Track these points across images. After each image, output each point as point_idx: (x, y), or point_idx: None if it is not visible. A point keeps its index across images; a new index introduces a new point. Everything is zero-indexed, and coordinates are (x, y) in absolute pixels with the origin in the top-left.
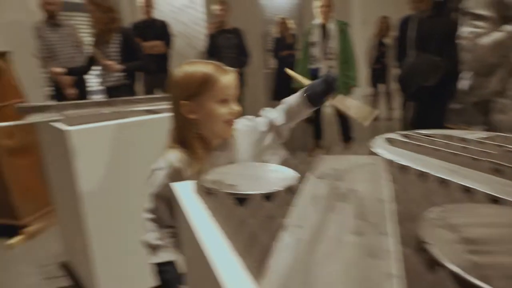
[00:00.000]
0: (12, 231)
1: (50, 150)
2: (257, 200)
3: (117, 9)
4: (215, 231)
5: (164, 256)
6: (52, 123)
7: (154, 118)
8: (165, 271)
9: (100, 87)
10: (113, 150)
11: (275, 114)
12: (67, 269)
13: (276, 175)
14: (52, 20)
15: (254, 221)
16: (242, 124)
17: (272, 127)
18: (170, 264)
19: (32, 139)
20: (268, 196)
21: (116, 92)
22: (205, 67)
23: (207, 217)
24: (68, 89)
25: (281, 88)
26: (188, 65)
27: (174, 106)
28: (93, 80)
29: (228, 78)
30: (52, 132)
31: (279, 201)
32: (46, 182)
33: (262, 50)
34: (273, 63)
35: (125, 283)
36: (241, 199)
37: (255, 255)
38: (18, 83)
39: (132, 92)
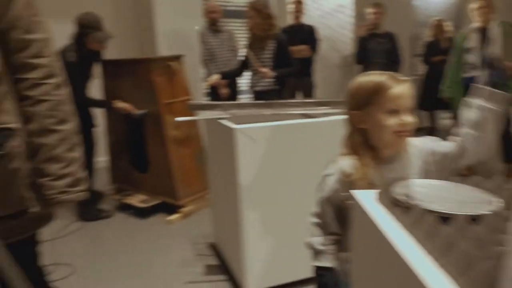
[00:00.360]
0: (171, 209)
1: (214, 143)
2: (463, 221)
3: (275, 16)
4: (415, 247)
5: (325, 261)
6: (220, 121)
7: (311, 122)
8: (324, 276)
9: (249, 90)
10: (273, 149)
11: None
12: (215, 249)
13: (473, 197)
14: (213, 26)
15: (465, 243)
16: (421, 141)
17: (460, 148)
18: (329, 269)
19: (194, 131)
20: (473, 219)
21: (265, 96)
22: (377, 77)
23: (402, 230)
24: (222, 89)
25: (430, 96)
26: (363, 75)
27: (347, 115)
28: (242, 81)
29: (400, 88)
30: (219, 128)
31: (487, 225)
32: (202, 170)
33: (410, 54)
34: (422, 69)
35: (271, 272)
36: (444, 218)
37: (473, 280)
38: (187, 83)
39: (279, 97)
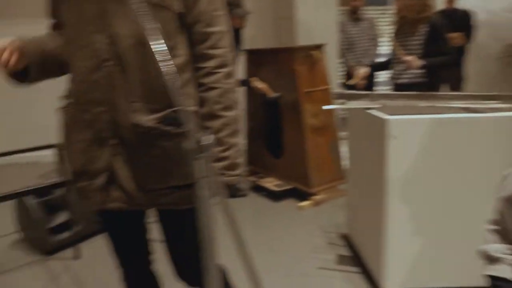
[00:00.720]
0: (303, 195)
1: (359, 133)
2: None
3: None
4: None
5: (503, 271)
6: (369, 111)
7: (479, 117)
8: (499, 287)
9: (390, 82)
10: (430, 144)
11: None
12: (347, 240)
13: None
14: (354, 15)
15: None
16: None
17: None
18: (507, 282)
19: (330, 120)
20: None
21: (408, 90)
22: None
23: None
24: (359, 80)
25: None
26: None
27: None
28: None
29: None
30: (368, 118)
31: None
32: (337, 159)
33: None
34: None
35: (415, 273)
36: None
37: None
38: (327, 72)
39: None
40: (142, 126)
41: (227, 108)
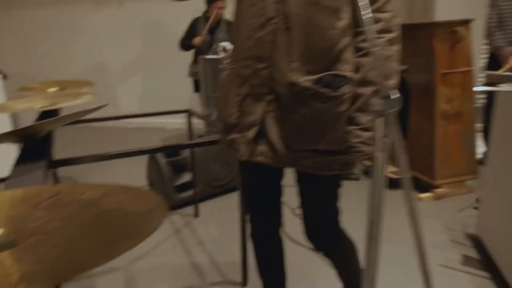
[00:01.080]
0: (422, 186)
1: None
2: None
3: None
4: None
5: None
6: None
7: None
8: None
9: None
10: None
11: None
12: (476, 241)
13: None
14: None
15: None
16: None
17: None
18: None
19: (468, 107)
20: None
21: None
22: None
23: None
24: (508, 64)
25: None
26: None
27: None
28: None
29: None
30: None
31: None
32: (470, 152)
33: None
34: None
35: None
36: None
37: None
38: (471, 52)
39: None
40: (299, 85)
41: (383, 76)
